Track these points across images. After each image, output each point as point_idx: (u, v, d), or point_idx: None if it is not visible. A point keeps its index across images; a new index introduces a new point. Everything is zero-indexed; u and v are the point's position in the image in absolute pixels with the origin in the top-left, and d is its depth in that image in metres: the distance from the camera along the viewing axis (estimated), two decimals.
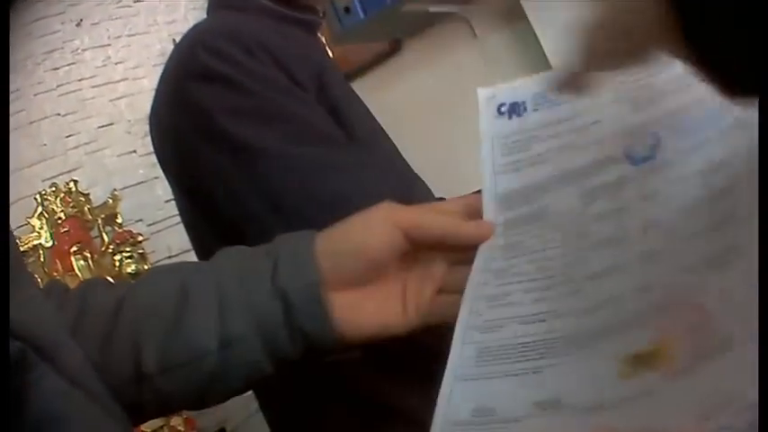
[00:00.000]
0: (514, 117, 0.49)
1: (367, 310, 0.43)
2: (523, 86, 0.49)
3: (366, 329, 0.43)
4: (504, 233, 0.45)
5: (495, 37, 1.67)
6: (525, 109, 0.49)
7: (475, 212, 0.46)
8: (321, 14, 0.84)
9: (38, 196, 1.71)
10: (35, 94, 1.84)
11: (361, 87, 1.74)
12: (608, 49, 0.34)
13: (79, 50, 1.89)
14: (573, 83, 0.39)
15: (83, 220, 1.74)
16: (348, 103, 0.74)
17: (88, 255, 1.72)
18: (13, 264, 0.35)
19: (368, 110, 0.83)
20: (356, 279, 0.43)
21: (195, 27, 0.72)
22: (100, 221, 1.73)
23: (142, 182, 1.76)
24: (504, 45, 1.66)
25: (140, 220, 1.75)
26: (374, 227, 0.44)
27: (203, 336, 0.40)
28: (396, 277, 0.45)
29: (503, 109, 0.49)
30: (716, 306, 0.33)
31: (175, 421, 1.66)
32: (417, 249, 0.45)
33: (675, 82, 0.44)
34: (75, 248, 1.72)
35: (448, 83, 1.66)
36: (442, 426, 0.36)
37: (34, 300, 0.37)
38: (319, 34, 0.90)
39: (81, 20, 1.91)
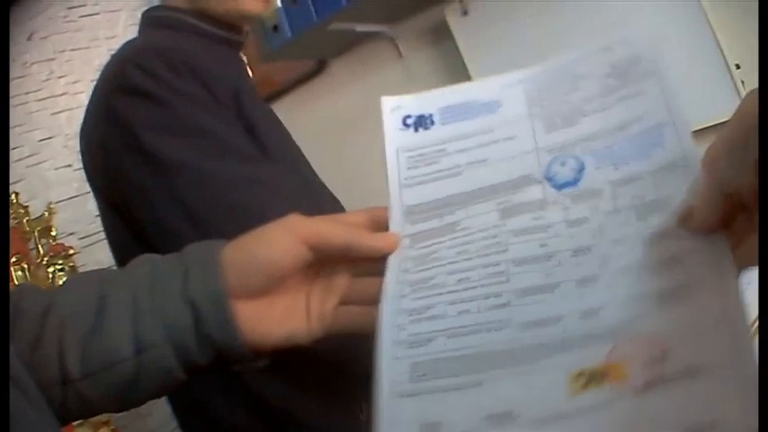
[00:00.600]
0: (421, 130, 0.47)
1: (272, 320, 0.45)
2: (431, 99, 0.48)
3: (272, 338, 0.44)
4: (414, 245, 0.44)
5: (420, 56, 1.66)
6: (432, 122, 0.47)
7: (380, 224, 0.46)
8: (246, 34, 0.87)
9: None
10: None
11: (286, 106, 1.75)
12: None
13: (28, 64, 1.92)
14: (705, 215, 0.34)
15: (22, 232, 1.79)
16: (264, 121, 0.77)
17: (26, 266, 1.76)
18: None
19: (284, 128, 0.85)
20: (261, 289, 0.44)
21: (127, 44, 0.75)
22: (36, 234, 1.78)
23: (75, 196, 1.80)
24: (429, 65, 1.65)
25: (73, 234, 1.78)
26: (278, 239, 0.44)
27: (120, 341, 0.42)
28: (300, 287, 0.46)
29: (408, 121, 0.48)
30: (673, 336, 0.32)
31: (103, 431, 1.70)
32: (322, 260, 0.46)
33: (593, 102, 0.43)
34: (14, 259, 1.77)
35: (373, 102, 1.64)
36: None
37: None
38: (242, 54, 0.93)
39: (32, 33, 1.95)
